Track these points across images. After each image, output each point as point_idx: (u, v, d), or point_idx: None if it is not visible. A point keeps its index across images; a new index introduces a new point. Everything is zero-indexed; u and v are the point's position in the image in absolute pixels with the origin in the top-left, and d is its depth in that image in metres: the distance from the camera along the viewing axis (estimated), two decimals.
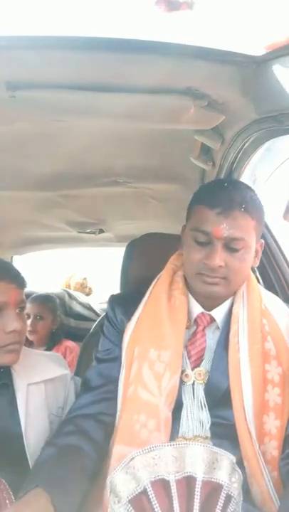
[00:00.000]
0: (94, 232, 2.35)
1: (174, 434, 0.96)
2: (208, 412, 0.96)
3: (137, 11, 0.72)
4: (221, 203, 0.93)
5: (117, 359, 1.05)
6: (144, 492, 0.68)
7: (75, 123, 1.08)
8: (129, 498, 0.68)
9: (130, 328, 1.05)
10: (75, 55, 0.76)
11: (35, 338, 2.27)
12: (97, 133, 1.20)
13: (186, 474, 0.69)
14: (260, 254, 1.02)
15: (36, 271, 3.59)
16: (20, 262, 2.91)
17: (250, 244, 0.95)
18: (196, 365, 1.00)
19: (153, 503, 0.67)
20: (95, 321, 1.79)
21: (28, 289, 1.12)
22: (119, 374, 1.03)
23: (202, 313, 1.02)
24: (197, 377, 0.99)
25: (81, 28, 0.69)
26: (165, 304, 1.02)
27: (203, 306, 1.02)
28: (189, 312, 1.03)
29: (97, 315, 2.64)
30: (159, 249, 1.34)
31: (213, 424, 0.96)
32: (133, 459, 0.72)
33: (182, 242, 1.06)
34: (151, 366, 0.97)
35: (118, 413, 1.00)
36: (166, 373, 0.96)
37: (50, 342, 2.32)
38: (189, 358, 1.00)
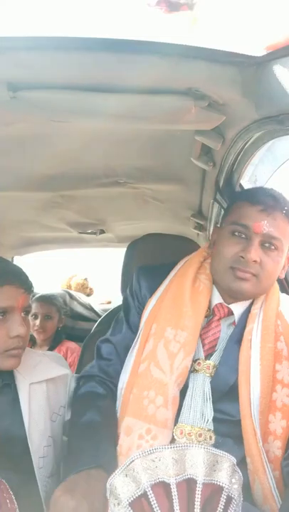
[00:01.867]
0: (95, 233, 2.35)
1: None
2: (211, 405, 0.97)
3: (138, 11, 0.72)
4: (264, 201, 0.98)
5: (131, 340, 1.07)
6: (145, 495, 0.69)
7: (76, 124, 1.08)
8: (129, 501, 0.68)
9: (151, 303, 1.07)
10: (76, 56, 0.76)
11: (43, 338, 2.28)
12: (98, 134, 1.20)
13: (186, 477, 0.69)
14: (287, 268, 1.05)
15: (37, 271, 3.60)
16: (21, 263, 2.92)
17: (284, 247, 0.99)
18: (206, 357, 1.01)
19: (154, 506, 0.67)
20: (96, 321, 1.80)
21: None
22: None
23: (221, 303, 1.04)
24: (206, 370, 1.00)
25: (82, 29, 0.69)
26: (189, 286, 1.04)
27: (224, 300, 1.04)
28: (209, 301, 1.05)
29: (98, 315, 2.64)
30: (160, 250, 1.34)
31: (217, 421, 0.96)
32: (133, 461, 0.72)
33: (211, 242, 1.10)
34: (167, 345, 0.99)
35: (123, 385, 1.03)
36: (180, 353, 0.98)
37: (52, 342, 2.33)
38: (203, 347, 1.02)
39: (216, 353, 1.01)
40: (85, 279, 3.36)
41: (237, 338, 1.00)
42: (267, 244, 0.97)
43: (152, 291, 1.10)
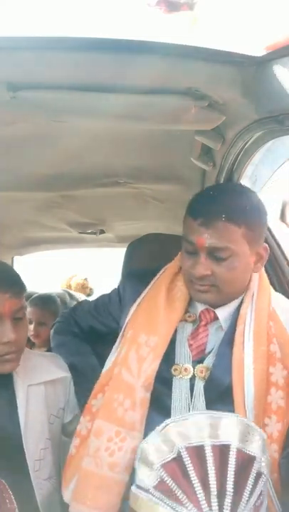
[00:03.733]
0: (95, 233, 2.35)
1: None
2: (205, 408, 0.96)
3: (138, 11, 0.72)
4: (201, 213, 0.95)
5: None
6: (178, 458, 0.67)
7: (76, 124, 1.08)
8: (162, 463, 0.68)
9: (131, 312, 1.08)
10: (76, 56, 0.76)
11: (39, 342, 2.27)
12: (98, 134, 1.20)
13: (220, 443, 0.68)
14: (264, 259, 1.01)
15: (37, 271, 3.59)
16: (21, 263, 2.92)
17: (239, 251, 0.94)
18: (198, 361, 1.00)
19: (188, 468, 0.66)
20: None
21: (29, 290, 1.11)
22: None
23: (206, 309, 1.03)
24: (199, 374, 0.99)
25: (82, 29, 0.69)
26: (165, 293, 1.05)
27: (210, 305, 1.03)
28: (194, 307, 1.05)
29: None
30: (160, 250, 1.34)
31: None
32: (167, 425, 0.72)
33: None
34: (138, 350, 1.01)
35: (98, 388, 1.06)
36: (149, 357, 0.99)
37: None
38: (191, 352, 1.01)
39: (209, 357, 1.00)
40: (85, 279, 3.36)
41: (229, 341, 0.99)
42: (215, 255, 0.94)
43: (135, 296, 1.11)
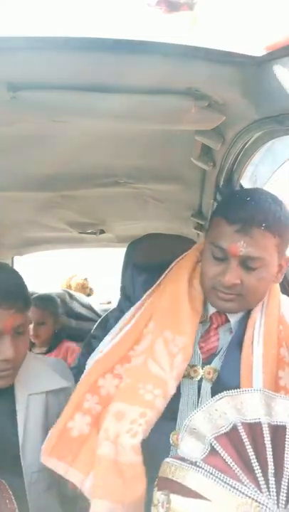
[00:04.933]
0: (95, 233, 2.35)
1: (167, 428, 0.96)
2: None
3: (138, 11, 0.72)
4: (240, 219, 0.90)
5: None
6: (233, 432, 0.63)
7: (76, 124, 1.08)
8: (215, 435, 0.64)
9: (146, 299, 1.05)
10: (75, 56, 0.76)
11: (38, 342, 2.28)
12: (97, 134, 1.20)
13: (276, 423, 0.64)
14: (284, 270, 0.99)
15: (37, 271, 3.60)
16: (21, 263, 2.92)
17: (270, 262, 0.92)
18: (207, 362, 1.00)
19: (245, 443, 0.62)
20: (96, 321, 1.79)
21: (29, 290, 1.10)
22: None
23: (218, 311, 1.02)
24: (206, 376, 0.98)
25: (82, 29, 0.69)
26: (186, 289, 1.02)
27: None
28: (206, 308, 1.03)
29: (98, 315, 2.64)
30: (160, 250, 1.34)
31: None
32: (221, 398, 0.69)
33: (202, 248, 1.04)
34: (167, 345, 0.98)
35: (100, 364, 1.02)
36: (180, 355, 0.96)
37: (52, 343, 2.33)
38: (202, 354, 1.00)
39: (216, 359, 0.99)
40: (85, 279, 3.36)
41: (237, 344, 0.98)
42: (247, 264, 0.91)
43: (147, 286, 1.08)
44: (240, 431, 0.62)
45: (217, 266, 0.94)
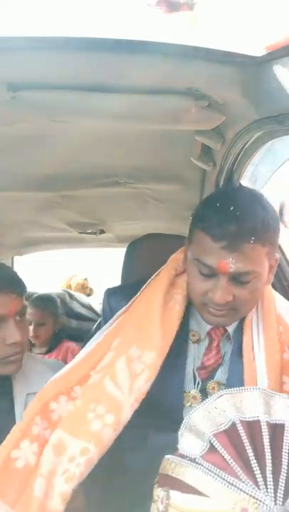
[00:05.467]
0: (95, 233, 2.35)
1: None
2: None
3: (138, 11, 0.72)
4: (227, 234, 0.82)
5: None
6: (232, 430, 0.63)
7: (76, 124, 1.08)
8: (214, 433, 0.63)
9: (117, 319, 0.99)
10: (75, 56, 0.76)
11: (38, 342, 2.28)
12: (98, 134, 1.20)
13: (274, 421, 0.64)
14: (274, 270, 0.94)
15: (37, 271, 3.60)
16: (21, 263, 2.92)
17: (262, 271, 0.87)
18: (210, 377, 0.96)
19: (244, 441, 0.61)
20: (96, 321, 1.80)
21: (29, 290, 1.11)
22: None
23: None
24: (211, 391, 0.94)
25: (82, 29, 0.69)
26: (160, 304, 0.95)
27: None
28: (199, 325, 0.98)
29: (98, 315, 2.64)
30: (160, 250, 1.34)
31: None
32: (221, 396, 0.68)
33: (184, 258, 0.98)
34: (129, 363, 0.90)
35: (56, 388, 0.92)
36: (143, 375, 0.88)
37: (52, 343, 2.32)
38: (200, 375, 0.95)
39: (219, 372, 0.96)
40: (85, 279, 3.36)
41: (239, 352, 0.94)
42: (238, 279, 0.85)
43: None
44: (239, 429, 0.63)
45: (205, 282, 0.87)
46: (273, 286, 1.40)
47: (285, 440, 0.62)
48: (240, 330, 0.97)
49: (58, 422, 0.88)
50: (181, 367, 0.96)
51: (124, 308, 1.01)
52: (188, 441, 0.66)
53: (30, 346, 2.28)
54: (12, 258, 2.85)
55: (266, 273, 0.90)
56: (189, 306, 0.99)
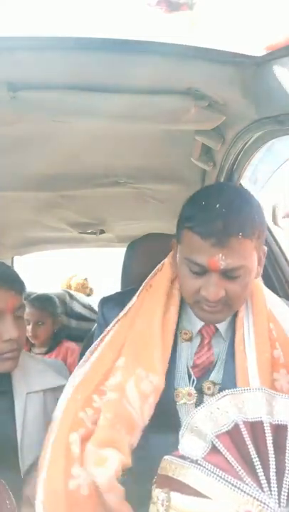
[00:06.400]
0: (95, 233, 2.35)
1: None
2: None
3: (138, 11, 0.72)
4: (214, 232, 0.83)
5: None
6: (234, 431, 0.62)
7: (76, 123, 1.08)
8: (217, 434, 0.63)
9: (115, 327, 0.99)
10: (75, 56, 0.76)
11: (37, 342, 2.27)
12: (98, 133, 1.20)
13: (277, 422, 0.64)
14: (263, 262, 0.95)
15: (37, 271, 3.60)
16: (21, 263, 2.92)
17: (251, 265, 0.88)
18: (205, 377, 0.96)
19: (247, 442, 0.61)
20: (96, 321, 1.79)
21: (28, 290, 1.11)
22: None
23: (208, 325, 0.98)
24: (206, 391, 0.95)
25: (81, 29, 0.69)
26: (159, 321, 0.96)
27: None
28: (191, 323, 0.99)
29: None
30: (160, 250, 1.34)
31: None
32: (224, 397, 0.68)
33: (174, 258, 0.97)
34: (138, 383, 0.92)
35: (73, 396, 0.93)
36: (152, 396, 0.92)
37: (51, 343, 2.32)
38: (194, 374, 0.96)
39: (214, 371, 0.96)
40: (85, 279, 3.35)
41: (232, 351, 0.95)
42: (229, 275, 0.86)
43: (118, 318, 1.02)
44: (241, 429, 0.62)
45: (197, 280, 0.88)
46: (273, 286, 1.41)
47: (288, 441, 0.61)
48: (231, 328, 0.98)
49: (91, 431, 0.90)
50: (171, 365, 0.96)
51: (121, 314, 1.00)
52: (190, 442, 0.65)
53: (29, 346, 2.28)
54: (12, 258, 2.85)
55: (255, 266, 0.91)
56: (182, 305, 1.00)
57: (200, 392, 0.96)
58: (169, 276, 1.01)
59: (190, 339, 0.99)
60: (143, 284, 1.04)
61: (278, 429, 0.62)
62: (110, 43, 0.71)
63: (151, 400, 0.92)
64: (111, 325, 1.00)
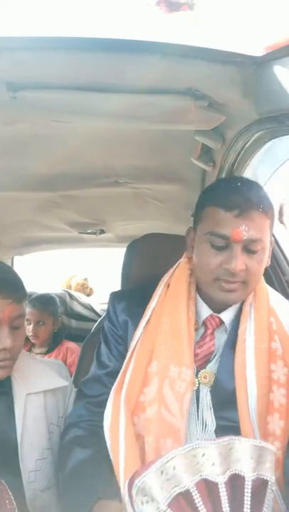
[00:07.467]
0: (95, 233, 2.35)
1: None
2: (213, 414, 0.95)
3: (138, 11, 0.72)
4: (238, 204, 0.89)
5: (117, 369, 1.01)
6: (185, 493, 0.63)
7: (76, 123, 1.08)
8: (168, 501, 0.63)
9: (139, 331, 1.01)
10: (75, 56, 0.76)
11: (38, 342, 2.28)
12: (97, 133, 1.20)
13: (232, 472, 0.64)
14: (270, 252, 0.99)
15: (37, 271, 3.60)
16: (21, 263, 2.92)
17: (266, 243, 0.93)
18: (202, 366, 0.98)
19: (198, 505, 0.62)
20: (96, 321, 1.79)
21: (28, 290, 1.10)
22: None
23: (211, 315, 1.00)
24: (203, 380, 0.97)
25: (82, 29, 0.69)
26: (185, 315, 0.99)
27: (213, 309, 1.00)
28: (198, 314, 1.01)
29: (98, 315, 2.64)
30: (160, 250, 1.34)
31: (222, 428, 0.94)
32: (173, 458, 0.68)
33: (189, 246, 1.02)
34: (172, 385, 0.94)
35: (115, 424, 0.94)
36: (188, 393, 0.93)
37: (52, 343, 2.32)
38: (196, 362, 0.98)
39: (212, 362, 0.98)
40: (85, 279, 3.35)
41: (232, 343, 0.97)
42: (249, 248, 0.91)
43: (132, 314, 1.04)
44: (193, 494, 0.63)
45: (219, 255, 0.92)
46: (273, 284, 1.41)
47: (246, 492, 0.63)
48: (236, 321, 1.00)
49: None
50: None
51: (143, 320, 1.02)
52: (140, 508, 0.65)
53: (29, 346, 2.28)
54: (12, 258, 2.85)
55: (269, 247, 0.96)
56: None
57: (198, 384, 0.98)
58: (187, 273, 1.04)
59: (195, 329, 1.01)
60: (160, 283, 1.06)
61: (235, 482, 0.64)
62: (110, 43, 0.71)
63: (187, 398, 0.93)
64: (137, 332, 1.02)
